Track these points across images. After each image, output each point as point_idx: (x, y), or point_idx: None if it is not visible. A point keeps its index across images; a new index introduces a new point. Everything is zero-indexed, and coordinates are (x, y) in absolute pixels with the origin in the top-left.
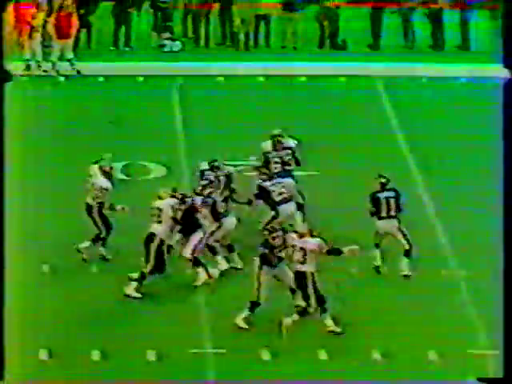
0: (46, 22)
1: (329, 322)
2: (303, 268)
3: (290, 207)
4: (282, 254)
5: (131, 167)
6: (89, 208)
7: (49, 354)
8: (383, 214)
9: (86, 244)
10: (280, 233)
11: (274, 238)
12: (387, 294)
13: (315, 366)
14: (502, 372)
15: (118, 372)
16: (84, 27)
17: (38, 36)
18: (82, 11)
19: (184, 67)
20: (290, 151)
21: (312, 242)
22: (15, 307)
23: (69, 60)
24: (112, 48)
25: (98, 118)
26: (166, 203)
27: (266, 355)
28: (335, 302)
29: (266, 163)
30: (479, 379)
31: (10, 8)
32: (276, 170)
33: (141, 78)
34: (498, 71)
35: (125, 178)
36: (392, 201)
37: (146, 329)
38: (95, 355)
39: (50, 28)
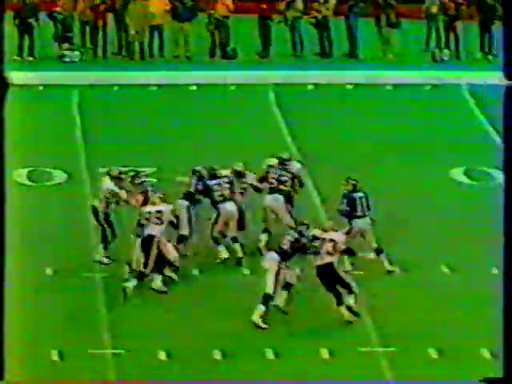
0: None
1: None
2: (332, 259)
3: (230, 206)
4: (317, 244)
5: (35, 173)
6: (95, 211)
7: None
8: (359, 213)
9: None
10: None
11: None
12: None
13: (212, 365)
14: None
15: (21, 371)
16: None
17: None
18: None
19: (82, 77)
20: (290, 174)
21: (341, 235)
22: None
23: None
24: (16, 57)
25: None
26: (167, 207)
27: (162, 356)
28: None
29: (265, 175)
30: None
31: None
32: (272, 186)
33: (41, 87)
34: (384, 77)
35: (30, 183)
36: (364, 200)
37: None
38: None
39: None
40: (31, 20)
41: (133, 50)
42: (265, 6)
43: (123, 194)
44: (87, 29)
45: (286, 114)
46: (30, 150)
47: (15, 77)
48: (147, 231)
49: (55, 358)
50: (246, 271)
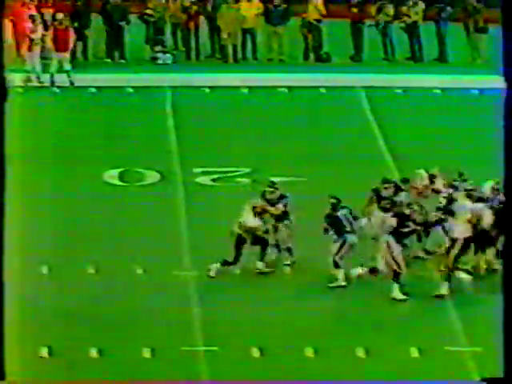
0: (44, 35)
1: None
2: None
3: None
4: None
5: (127, 174)
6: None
7: (49, 352)
8: (348, 228)
9: (217, 266)
10: None
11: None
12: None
13: (302, 363)
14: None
15: (113, 369)
16: (80, 40)
17: (37, 49)
18: (75, 24)
19: (176, 79)
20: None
21: None
22: (15, 307)
23: (67, 72)
24: (107, 60)
25: (93, 127)
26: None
27: (255, 352)
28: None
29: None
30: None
31: (8, 22)
32: None
33: (131, 89)
34: (473, 83)
35: (122, 184)
36: (350, 217)
37: (141, 327)
38: (93, 353)
39: (49, 41)
40: (122, 23)
41: (226, 53)
42: (356, 11)
43: (275, 210)
44: (179, 31)
45: (377, 116)
46: (122, 151)
47: (105, 79)
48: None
49: (147, 355)
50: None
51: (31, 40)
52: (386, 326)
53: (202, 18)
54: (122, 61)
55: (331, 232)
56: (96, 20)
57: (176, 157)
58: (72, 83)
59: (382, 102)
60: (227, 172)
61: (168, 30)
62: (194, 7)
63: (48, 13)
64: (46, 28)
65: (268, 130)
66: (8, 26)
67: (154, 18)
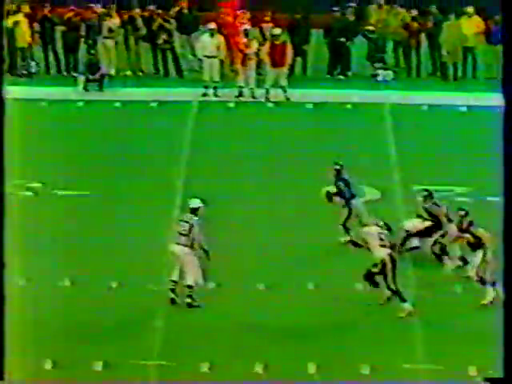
0: (259, 50)
1: None
2: None
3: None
4: None
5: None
6: None
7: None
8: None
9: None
10: None
11: None
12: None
13: None
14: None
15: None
16: (298, 55)
17: (251, 64)
18: (294, 39)
19: (395, 96)
20: None
21: None
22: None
23: (282, 87)
24: (327, 76)
25: (313, 142)
26: None
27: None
28: None
29: None
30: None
31: (221, 38)
32: None
33: (349, 106)
34: None
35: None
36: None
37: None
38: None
39: (264, 56)
40: (343, 39)
41: (446, 72)
42: None
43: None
44: (400, 48)
45: None
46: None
47: (324, 95)
48: None
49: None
50: None
51: (245, 55)
52: None
53: (422, 35)
54: (342, 77)
55: (338, 199)
56: (315, 35)
57: (396, 174)
58: (288, 98)
59: None
60: (447, 191)
61: (389, 46)
62: (415, 24)
63: (267, 27)
64: (261, 42)
65: (485, 150)
66: (221, 40)
67: (376, 34)
